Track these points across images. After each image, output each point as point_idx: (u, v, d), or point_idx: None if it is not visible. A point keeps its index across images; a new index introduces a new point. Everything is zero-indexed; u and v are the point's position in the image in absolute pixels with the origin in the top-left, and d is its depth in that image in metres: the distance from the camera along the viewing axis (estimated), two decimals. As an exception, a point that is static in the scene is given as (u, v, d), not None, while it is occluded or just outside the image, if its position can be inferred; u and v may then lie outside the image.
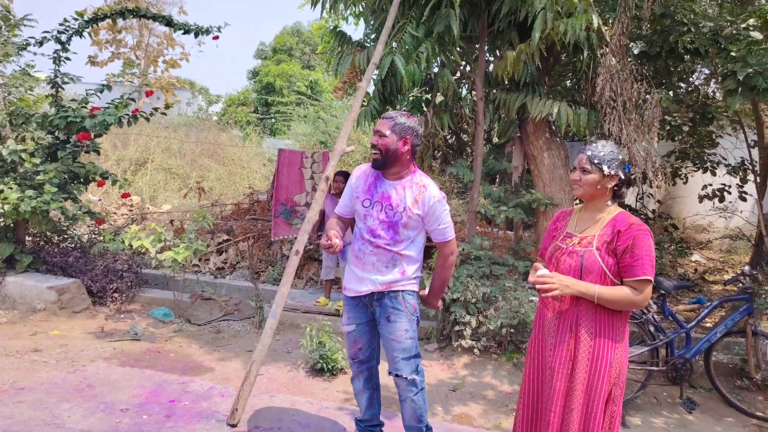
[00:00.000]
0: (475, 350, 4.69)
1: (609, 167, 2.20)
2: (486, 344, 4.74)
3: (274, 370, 4.25)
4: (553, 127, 5.32)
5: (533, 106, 4.86)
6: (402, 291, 2.77)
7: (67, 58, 5.86)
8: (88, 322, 5.04)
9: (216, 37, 6.25)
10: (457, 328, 4.76)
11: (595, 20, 4.30)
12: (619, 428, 2.24)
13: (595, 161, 2.20)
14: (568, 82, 6.89)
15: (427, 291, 2.99)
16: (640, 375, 4.01)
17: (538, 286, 2.14)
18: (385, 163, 2.71)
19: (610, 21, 5.00)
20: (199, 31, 6.16)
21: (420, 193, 2.72)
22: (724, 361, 4.57)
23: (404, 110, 5.92)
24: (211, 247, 7.07)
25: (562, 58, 5.98)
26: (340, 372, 4.24)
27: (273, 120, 21.62)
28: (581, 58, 4.92)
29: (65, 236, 6.01)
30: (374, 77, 4.81)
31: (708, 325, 5.10)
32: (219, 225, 7.84)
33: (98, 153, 5.79)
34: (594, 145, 2.25)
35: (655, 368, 3.86)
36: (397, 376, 2.78)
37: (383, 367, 3.06)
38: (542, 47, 4.45)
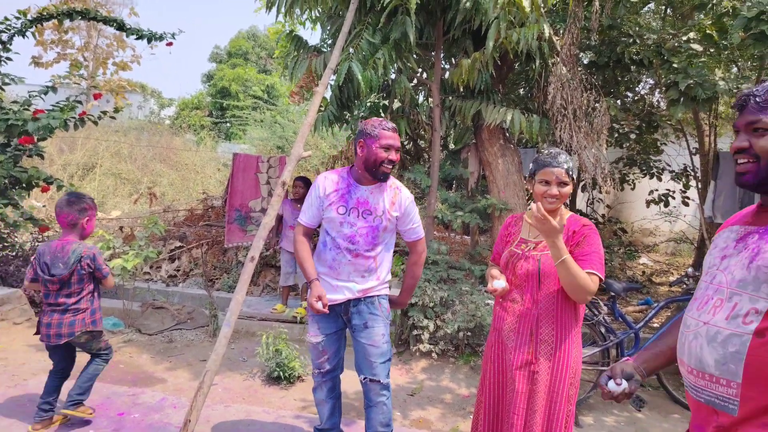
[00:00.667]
0: (433, 354, 4.72)
1: (574, 175, 2.27)
2: (443, 348, 4.77)
3: (229, 380, 4.15)
4: (507, 134, 5.43)
5: (488, 113, 4.95)
6: (378, 296, 2.80)
7: (8, 59, 5.60)
8: (30, 334, 4.79)
9: (170, 44, 6.09)
10: (415, 332, 4.77)
11: (547, 30, 4.43)
12: (572, 427, 2.29)
13: (570, 173, 2.25)
14: (521, 90, 7.06)
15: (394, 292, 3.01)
16: (592, 375, 4.12)
17: (534, 222, 2.09)
18: (387, 175, 2.72)
19: (561, 31, 5.16)
20: (152, 37, 5.99)
21: (396, 195, 2.77)
22: (670, 359, 4.75)
23: (361, 116, 5.93)
24: (162, 255, 6.86)
25: (516, 67, 6.13)
26: (298, 380, 4.18)
27: (228, 124, 21.26)
28: (533, 66, 5.06)
29: (5, 244, 5.71)
30: (331, 82, 4.79)
31: (655, 325, 5.30)
32: (171, 231, 7.62)
33: (42, 157, 5.54)
34: (561, 156, 2.26)
35: (606, 368, 3.97)
36: (372, 381, 2.76)
37: (342, 376, 3.04)
38: (496, 56, 4.54)
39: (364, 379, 2.79)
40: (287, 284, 5.62)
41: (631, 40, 5.21)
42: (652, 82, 6.81)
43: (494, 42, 4.33)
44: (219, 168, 14.00)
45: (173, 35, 5.95)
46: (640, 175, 7.49)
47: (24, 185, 5.38)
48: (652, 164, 7.23)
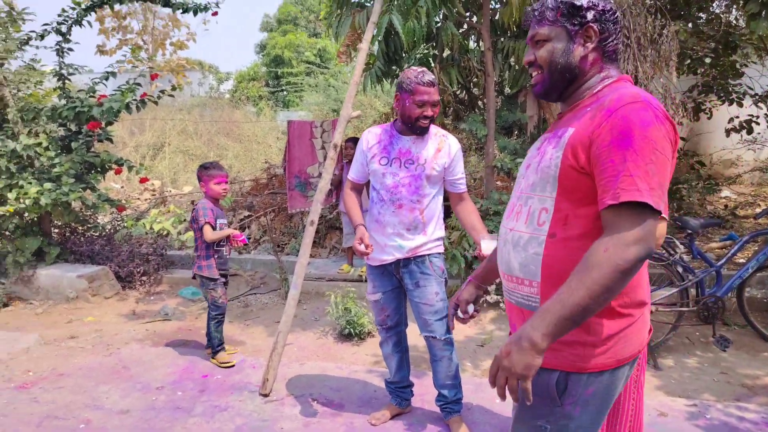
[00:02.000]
0: (501, 305, 4.67)
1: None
2: (511, 298, 4.71)
3: (303, 339, 4.31)
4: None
5: (543, 51, 4.67)
6: (428, 255, 2.74)
7: (70, 49, 5.85)
8: (120, 306, 5.18)
9: (215, 13, 6.14)
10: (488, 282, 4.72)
11: (602, -47, 4.08)
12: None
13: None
14: (579, 23, 6.60)
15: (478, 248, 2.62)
16: (670, 317, 3.94)
17: None
18: (426, 128, 2.67)
19: (620, -48, 4.74)
20: (197, 9, 6.07)
21: (442, 142, 2.71)
22: (759, 296, 4.47)
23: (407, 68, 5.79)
24: (233, 224, 7.13)
25: None
26: (368, 336, 4.28)
27: (285, 92, 21.47)
28: (591, -5, 4.70)
29: (89, 225, 6.13)
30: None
31: (741, 260, 4.98)
32: (240, 202, 7.90)
33: (111, 141, 5.83)
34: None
35: (685, 309, 3.78)
36: (432, 337, 2.77)
37: (411, 330, 3.07)
38: (548, -12, 4.25)
39: (425, 336, 2.80)
40: (349, 245, 5.70)
41: (702, -48, 4.72)
42: (727, -2, 6.17)
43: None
44: (278, 137, 14.25)
45: (217, 4, 6.00)
46: (718, 102, 6.89)
47: (98, 169, 5.71)
48: (731, 89, 6.62)
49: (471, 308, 1.85)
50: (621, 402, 1.56)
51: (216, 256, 3.85)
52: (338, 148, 3.77)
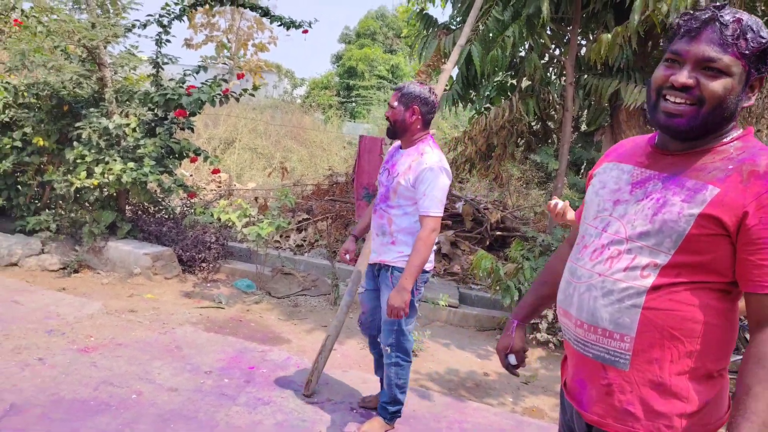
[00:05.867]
0: (551, 345, 4.57)
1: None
2: (562, 339, 4.60)
3: (346, 347, 4.35)
4: (648, 117, 5.02)
5: (628, 93, 4.60)
6: (392, 267, 2.81)
7: (168, 41, 6.20)
8: (178, 288, 5.39)
9: (305, 32, 6.35)
10: (532, 320, 4.64)
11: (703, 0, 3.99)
12: None
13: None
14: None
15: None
16: (731, 385, 3.74)
17: None
18: (395, 133, 2.81)
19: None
20: (291, 25, 6.32)
21: (415, 159, 2.71)
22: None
23: (485, 95, 5.81)
24: (291, 225, 7.30)
25: (662, 42, 5.61)
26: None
27: (354, 104, 21.92)
28: (684, 42, 4.59)
29: (160, 207, 6.43)
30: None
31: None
32: (299, 204, 8.08)
33: (192, 130, 6.12)
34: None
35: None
36: (380, 343, 3.00)
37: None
38: (641, 30, 4.19)
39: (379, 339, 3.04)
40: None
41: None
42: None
43: (640, 15, 4.00)
44: (344, 146, 14.54)
45: (310, 24, 6.23)
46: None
47: (177, 155, 6.00)
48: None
49: (512, 359, 1.71)
50: None
51: None
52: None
